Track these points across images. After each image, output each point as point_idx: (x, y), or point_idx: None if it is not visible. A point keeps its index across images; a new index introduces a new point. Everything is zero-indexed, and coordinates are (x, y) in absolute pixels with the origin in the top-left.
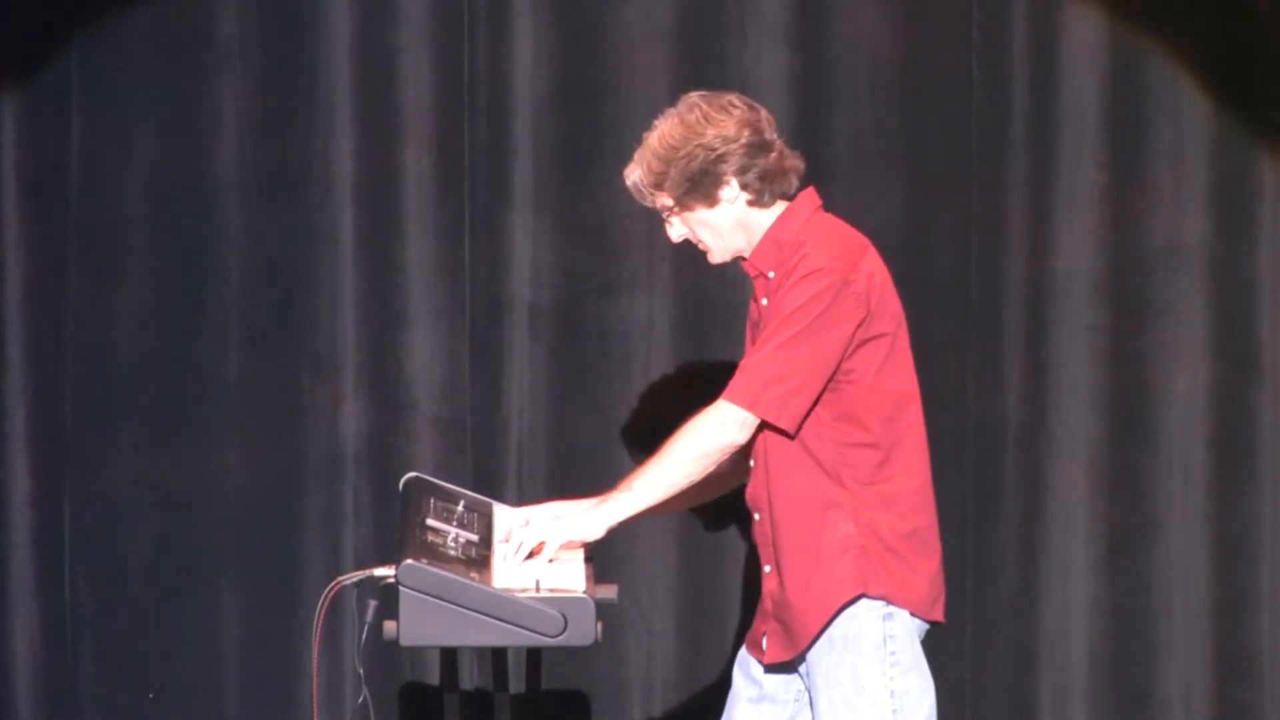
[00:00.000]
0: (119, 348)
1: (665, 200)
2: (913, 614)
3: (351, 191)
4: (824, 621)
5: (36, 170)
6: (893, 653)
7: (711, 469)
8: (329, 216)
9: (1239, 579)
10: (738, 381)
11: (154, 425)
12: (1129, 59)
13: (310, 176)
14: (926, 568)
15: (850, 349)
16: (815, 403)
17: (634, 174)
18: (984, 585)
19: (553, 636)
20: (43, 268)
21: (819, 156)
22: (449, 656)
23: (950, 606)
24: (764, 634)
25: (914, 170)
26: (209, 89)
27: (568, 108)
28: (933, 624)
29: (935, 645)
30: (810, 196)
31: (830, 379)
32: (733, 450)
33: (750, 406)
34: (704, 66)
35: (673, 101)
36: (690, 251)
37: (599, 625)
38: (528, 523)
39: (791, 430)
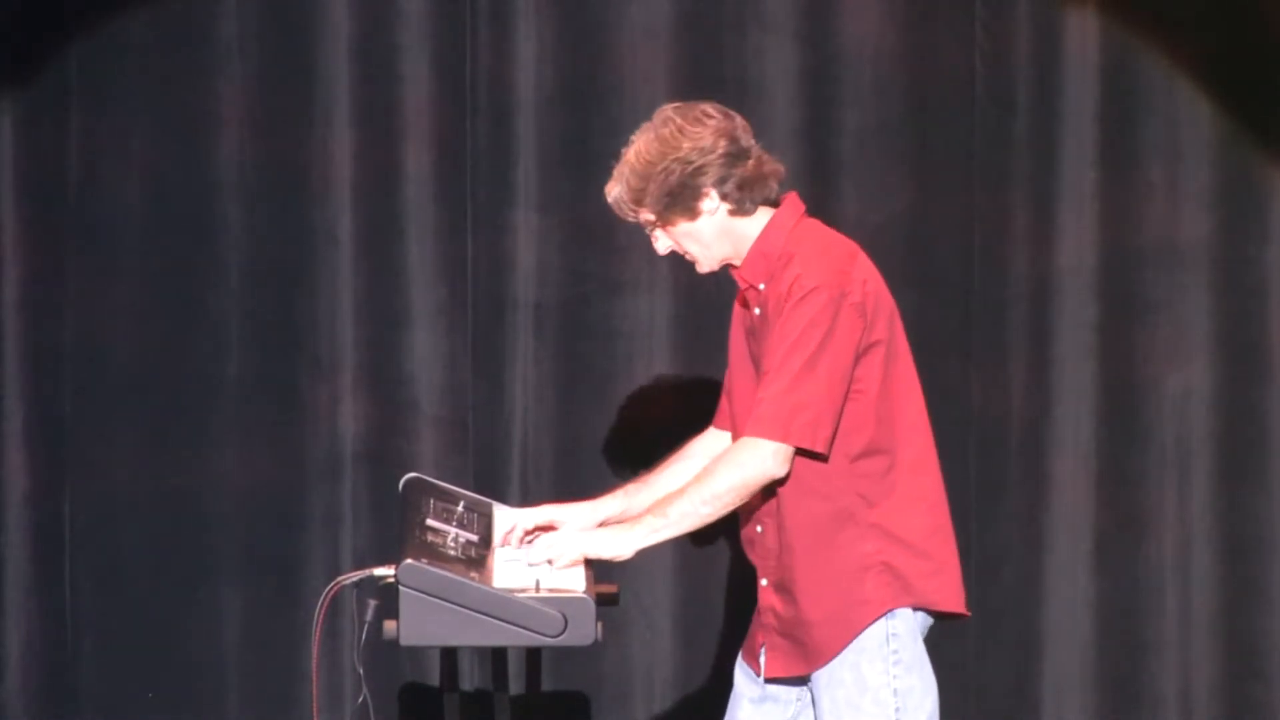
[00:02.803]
0: (118, 347)
1: (647, 215)
2: (914, 609)
3: (351, 191)
4: (847, 641)
5: (36, 170)
6: (895, 651)
7: (746, 499)
8: (329, 216)
9: (1250, 576)
10: (764, 414)
11: (153, 425)
12: (1132, 56)
13: (310, 176)
14: (954, 562)
15: (856, 359)
16: (840, 419)
17: (614, 191)
18: (987, 579)
19: (553, 636)
20: (42, 267)
21: (823, 153)
22: (449, 656)
23: None
24: (762, 646)
25: (917, 166)
26: (209, 89)
27: (570, 106)
28: (957, 617)
29: (939, 639)
30: (794, 204)
31: (848, 392)
32: (769, 482)
33: (784, 438)
34: (707, 65)
35: (675, 99)
36: None
37: (599, 625)
38: (517, 527)
39: (825, 452)
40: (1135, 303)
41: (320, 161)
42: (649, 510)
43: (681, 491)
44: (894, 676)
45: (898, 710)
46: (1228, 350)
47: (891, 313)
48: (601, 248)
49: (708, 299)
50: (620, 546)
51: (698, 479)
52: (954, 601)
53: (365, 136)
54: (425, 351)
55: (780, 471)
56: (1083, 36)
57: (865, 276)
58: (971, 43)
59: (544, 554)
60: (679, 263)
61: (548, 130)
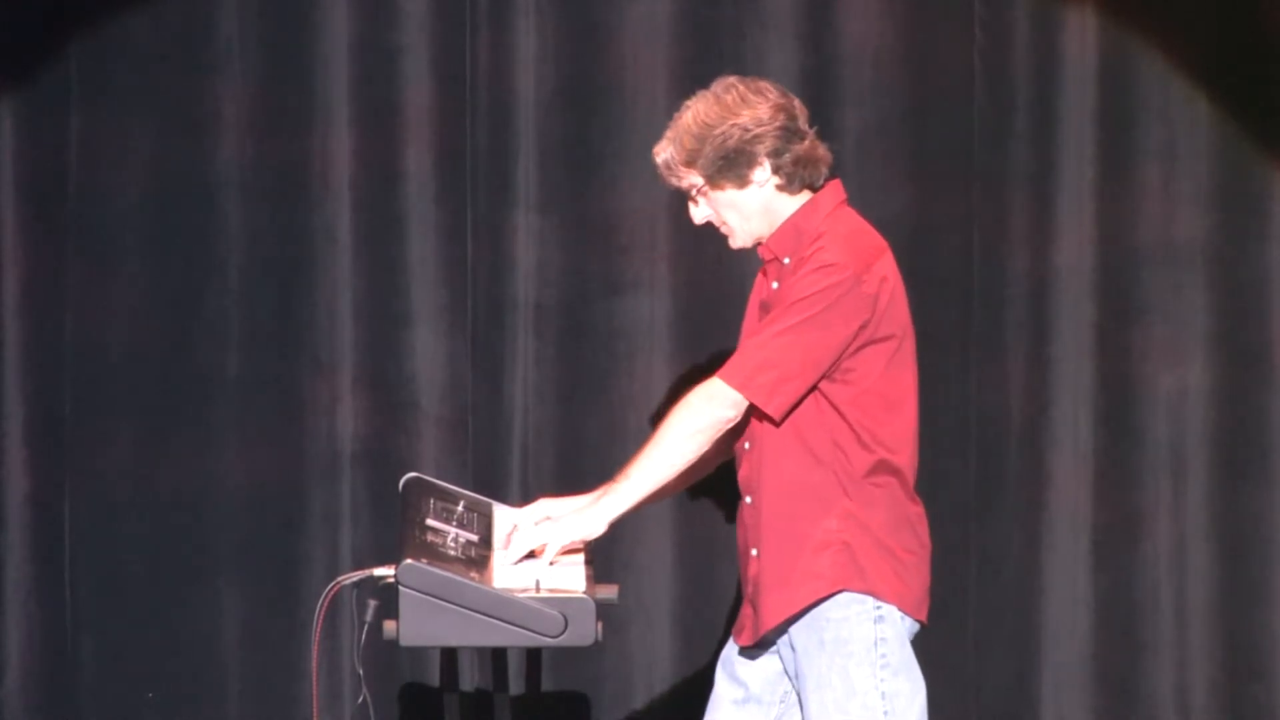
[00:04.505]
0: (118, 347)
1: (695, 178)
2: (901, 612)
3: (351, 191)
4: (790, 614)
5: (36, 170)
6: (883, 655)
7: (706, 446)
8: (329, 216)
9: (1248, 575)
10: (734, 360)
11: (153, 425)
12: (1131, 56)
13: (310, 176)
14: (917, 565)
15: (852, 348)
16: (807, 393)
17: (665, 151)
18: (987, 577)
19: (553, 637)
20: (42, 267)
21: None
22: (449, 656)
23: (953, 598)
24: (744, 618)
25: (917, 165)
26: (209, 89)
27: (571, 106)
28: (919, 625)
29: (938, 637)
30: (835, 189)
31: (826, 373)
32: (725, 426)
33: (741, 387)
34: (708, 64)
35: (676, 100)
36: (695, 249)
37: (599, 625)
38: (515, 528)
39: (777, 418)
40: (1133, 302)
41: (320, 161)
42: (614, 479)
43: (641, 450)
44: (881, 680)
45: (886, 713)
46: (1226, 349)
47: (906, 321)
48: (601, 248)
49: (708, 299)
50: (590, 525)
51: (654, 432)
52: (910, 603)
53: (365, 136)
54: (425, 351)
55: (733, 415)
56: (1082, 36)
57: (886, 273)
58: (971, 43)
59: (516, 552)
60: (679, 263)
61: (548, 130)
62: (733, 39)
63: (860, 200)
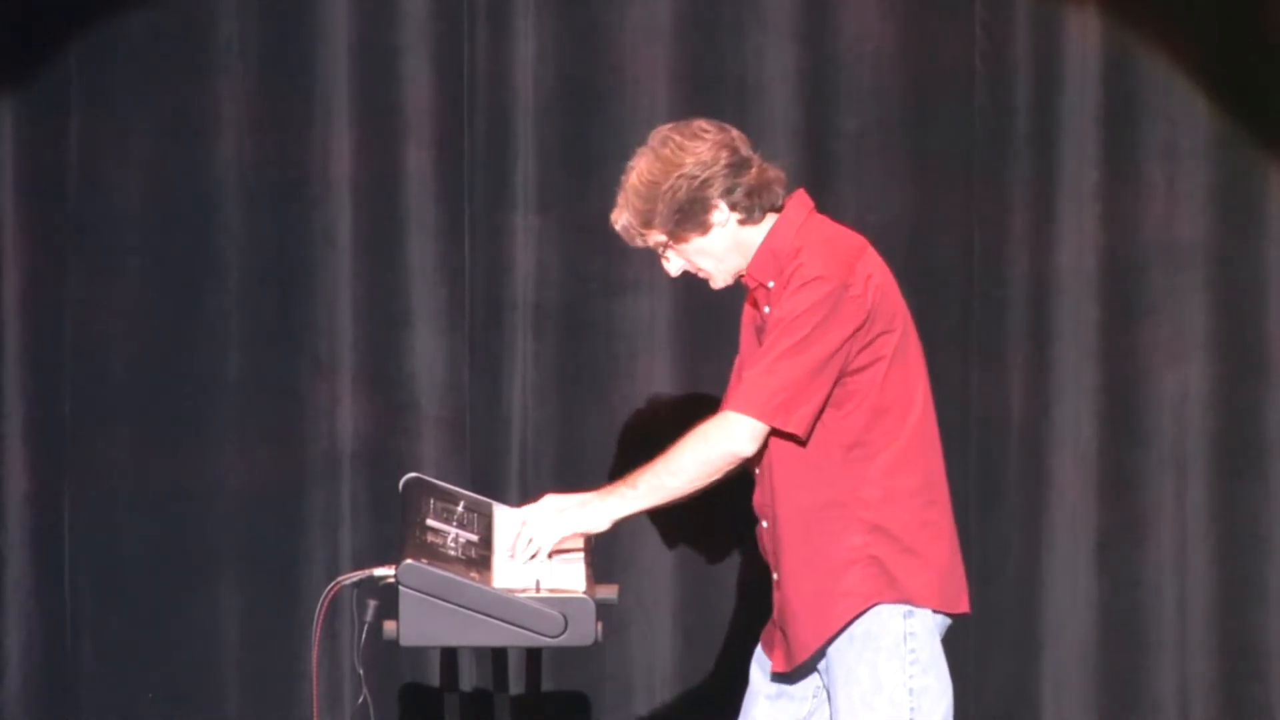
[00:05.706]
0: (118, 347)
1: (658, 237)
2: (936, 610)
3: (351, 191)
4: (826, 637)
5: (36, 170)
6: (912, 650)
7: (715, 478)
8: (329, 217)
9: (1248, 576)
10: (744, 392)
11: (153, 425)
12: (1132, 55)
13: (310, 176)
14: (944, 560)
15: (854, 350)
16: (823, 408)
17: (621, 217)
18: (987, 578)
19: (553, 637)
20: (42, 267)
21: (823, 154)
22: (449, 656)
23: None
24: (774, 642)
25: (917, 166)
26: (209, 89)
27: (569, 107)
28: (959, 616)
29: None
30: (801, 201)
31: (836, 383)
32: (739, 460)
33: (759, 415)
34: (707, 65)
35: (676, 100)
36: None
37: (599, 625)
38: (524, 524)
39: (802, 435)
40: (1135, 303)
41: (320, 161)
42: (621, 481)
43: (650, 464)
44: (910, 676)
45: (913, 710)
46: (1226, 350)
47: (903, 311)
48: (601, 248)
49: (708, 299)
50: (594, 519)
51: (666, 452)
52: (940, 599)
53: (365, 136)
54: (425, 351)
55: (748, 449)
56: (1083, 36)
57: (871, 271)
58: (971, 43)
59: (524, 546)
60: None
61: (548, 130)
62: (733, 39)
63: (859, 201)
